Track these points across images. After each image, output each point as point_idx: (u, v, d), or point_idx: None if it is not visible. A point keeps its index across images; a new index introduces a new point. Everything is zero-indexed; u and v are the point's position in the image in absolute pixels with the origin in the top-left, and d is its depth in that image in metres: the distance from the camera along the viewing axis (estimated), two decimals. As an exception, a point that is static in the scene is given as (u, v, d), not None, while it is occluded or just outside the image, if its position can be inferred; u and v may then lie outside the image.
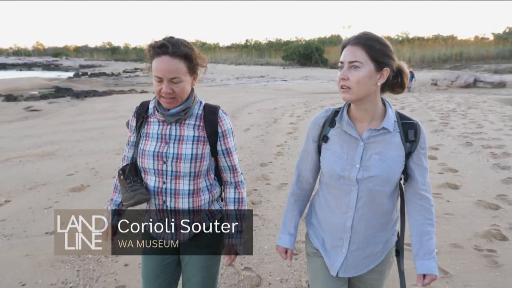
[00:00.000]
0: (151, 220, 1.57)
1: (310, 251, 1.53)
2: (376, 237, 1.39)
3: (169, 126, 1.50)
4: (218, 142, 1.53)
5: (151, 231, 1.56)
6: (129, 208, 1.50)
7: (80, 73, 35.20)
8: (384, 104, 1.36)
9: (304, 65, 43.52)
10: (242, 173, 1.65)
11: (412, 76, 19.44)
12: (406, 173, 1.37)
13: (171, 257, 1.62)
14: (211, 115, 1.52)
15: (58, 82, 28.21)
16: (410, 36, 62.41)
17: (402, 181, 1.42)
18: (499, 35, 50.46)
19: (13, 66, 47.76)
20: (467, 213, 3.70)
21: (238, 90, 19.83)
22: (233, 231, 1.55)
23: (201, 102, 1.56)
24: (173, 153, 1.47)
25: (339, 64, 1.29)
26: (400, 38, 64.32)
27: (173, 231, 1.54)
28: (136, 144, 1.56)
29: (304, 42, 52.86)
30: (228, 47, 73.73)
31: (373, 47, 1.23)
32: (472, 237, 3.22)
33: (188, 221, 1.53)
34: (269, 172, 5.19)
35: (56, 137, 8.67)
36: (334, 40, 61.69)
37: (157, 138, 1.51)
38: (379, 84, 1.26)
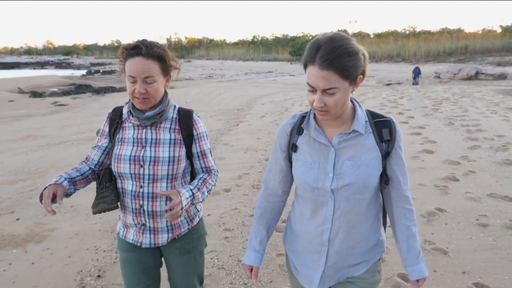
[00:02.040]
0: (125, 225, 1.61)
1: (289, 268, 1.49)
2: (356, 248, 1.32)
3: (144, 130, 1.53)
4: (194, 145, 1.58)
5: (126, 237, 1.61)
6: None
7: (93, 70, 36.01)
8: (353, 103, 1.28)
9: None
10: (217, 173, 1.69)
11: (419, 72, 19.92)
12: (386, 176, 1.29)
13: (151, 260, 1.66)
14: (186, 118, 1.56)
15: (74, 79, 29.42)
16: (417, 30, 62.99)
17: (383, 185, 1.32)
18: (507, 27, 50.83)
19: (26, 65, 48.79)
20: (435, 166, 5.05)
21: (249, 85, 21.00)
22: (189, 187, 1.52)
23: (175, 106, 1.60)
24: (150, 156, 1.49)
25: (309, 88, 1.16)
26: (407, 32, 65.01)
27: (150, 235, 1.57)
28: (109, 151, 1.59)
29: (310, 38, 53.90)
30: (236, 44, 75.03)
31: (347, 66, 1.09)
32: (434, 180, 4.57)
33: (166, 224, 1.57)
34: None
35: (93, 126, 9.80)
36: (341, 35, 62.41)
37: (133, 142, 1.52)
38: (354, 92, 1.19)
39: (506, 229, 3.32)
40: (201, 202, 1.58)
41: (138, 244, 1.58)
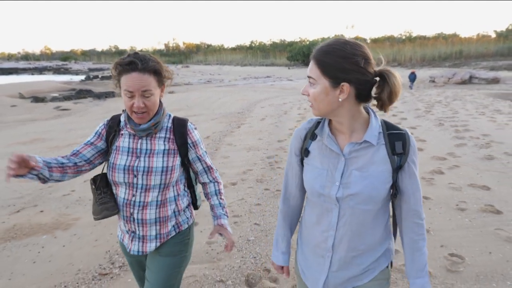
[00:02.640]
0: (121, 230, 1.69)
1: (297, 273, 1.52)
2: (360, 258, 1.32)
3: (140, 140, 1.56)
4: (190, 151, 1.62)
5: (124, 240, 1.69)
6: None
7: (91, 76, 36.12)
8: (368, 113, 1.27)
9: (308, 65, 45.31)
10: (217, 170, 1.76)
11: (415, 77, 20.40)
12: (396, 189, 1.28)
13: (144, 258, 1.76)
14: (180, 127, 1.59)
15: (73, 85, 29.60)
16: (414, 35, 63.91)
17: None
18: (501, 32, 51.75)
19: (24, 71, 48.98)
20: (423, 162, 5.52)
21: (247, 90, 21.50)
22: (221, 213, 1.70)
23: (170, 115, 1.63)
24: (144, 167, 1.52)
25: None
26: (403, 37, 65.95)
27: (139, 243, 1.61)
28: (102, 153, 1.62)
29: (308, 43, 54.64)
30: (233, 49, 75.78)
31: (324, 62, 1.15)
32: (422, 173, 5.03)
33: (155, 233, 1.60)
34: (285, 145, 7.05)
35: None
36: (338, 40, 63.23)
37: (128, 152, 1.56)
38: (340, 99, 1.17)
39: (481, 212, 3.80)
40: None
41: (128, 251, 1.64)
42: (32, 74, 44.10)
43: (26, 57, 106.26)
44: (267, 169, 5.58)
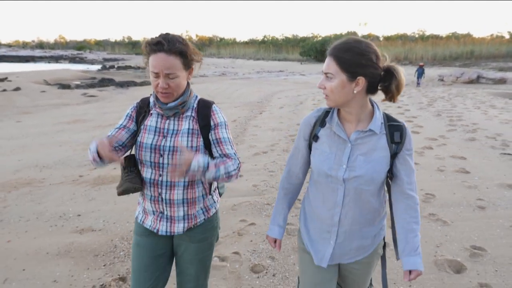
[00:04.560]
0: (144, 210, 1.69)
1: (301, 246, 1.65)
2: (362, 231, 1.50)
3: (167, 120, 1.61)
4: (211, 132, 1.61)
5: (144, 222, 1.69)
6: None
7: (108, 66, 37.05)
8: (372, 106, 1.44)
9: (320, 61, 46.36)
10: (238, 161, 1.60)
11: (422, 71, 20.60)
12: (392, 173, 1.46)
13: (164, 248, 1.72)
14: (204, 108, 1.63)
15: (91, 74, 30.55)
16: (427, 34, 64.49)
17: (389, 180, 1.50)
18: (516, 33, 52.14)
19: (41, 59, 50.27)
20: (417, 142, 6.92)
21: (262, 83, 22.74)
22: (206, 158, 1.47)
23: (196, 97, 1.68)
24: (170, 146, 1.56)
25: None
26: (416, 36, 66.61)
27: (167, 223, 1.65)
28: (135, 135, 1.64)
29: (320, 38, 55.68)
30: (246, 43, 77.10)
31: (343, 58, 1.30)
32: (415, 149, 6.37)
33: (183, 214, 1.63)
34: None
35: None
36: (350, 37, 64.02)
37: (155, 131, 1.60)
38: (355, 91, 1.33)
39: (455, 172, 5.22)
40: (214, 180, 1.50)
41: (155, 231, 1.65)
42: (49, 62, 45.19)
43: (41, 45, 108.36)
44: (290, 144, 6.99)
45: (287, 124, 8.86)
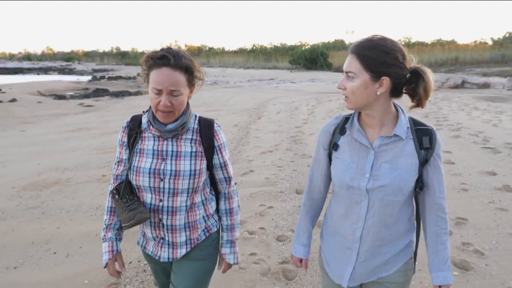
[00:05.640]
0: (145, 236, 1.65)
1: (322, 265, 1.59)
2: (386, 247, 1.40)
3: (165, 142, 1.52)
4: (215, 156, 1.59)
5: (146, 248, 1.66)
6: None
7: (98, 76, 36.88)
8: (396, 109, 1.36)
9: (309, 68, 47.45)
10: (235, 184, 1.74)
11: None
12: (422, 182, 1.34)
13: (170, 265, 1.73)
14: (207, 129, 1.57)
15: (83, 84, 30.64)
16: (413, 41, 66.35)
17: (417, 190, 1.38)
18: (498, 40, 54.20)
19: (29, 70, 49.73)
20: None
21: (254, 91, 23.41)
22: (224, 240, 1.70)
23: (195, 116, 1.60)
24: (171, 170, 1.49)
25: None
26: (403, 43, 68.26)
27: (169, 250, 1.60)
28: (129, 161, 1.55)
29: (309, 47, 56.90)
30: (235, 52, 78.14)
31: (368, 56, 1.23)
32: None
33: (185, 239, 1.58)
34: (303, 129, 9.18)
35: None
36: (338, 45, 65.74)
37: (153, 154, 1.51)
38: (379, 93, 1.25)
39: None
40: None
41: (156, 258, 1.62)
42: (38, 74, 44.83)
43: (29, 57, 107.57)
44: (292, 143, 7.67)
45: (286, 127, 9.55)
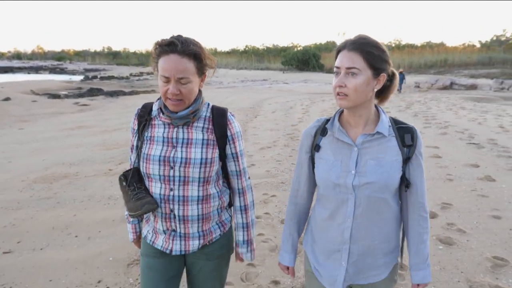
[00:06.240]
0: (154, 230, 1.58)
1: (308, 270, 1.56)
2: (377, 248, 1.39)
3: (176, 129, 1.49)
4: (228, 146, 1.54)
5: (155, 243, 1.58)
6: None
7: (90, 76, 36.88)
8: (377, 109, 1.39)
9: (302, 70, 48.03)
10: (249, 177, 1.67)
11: (403, 77, 21.82)
12: (407, 180, 1.36)
13: (177, 269, 1.64)
14: (220, 117, 1.52)
15: (75, 84, 30.48)
16: (403, 43, 67.42)
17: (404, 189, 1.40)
18: (486, 43, 55.43)
19: (20, 70, 49.47)
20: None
21: (248, 91, 23.73)
22: (239, 240, 1.67)
23: (208, 104, 1.56)
24: (181, 158, 1.46)
25: (335, 70, 1.29)
26: (393, 45, 69.48)
27: (181, 242, 1.54)
28: (139, 149, 1.53)
29: (301, 48, 57.48)
30: (228, 53, 78.42)
31: (372, 53, 1.24)
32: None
33: (197, 230, 1.53)
34: (299, 127, 9.61)
35: (129, 119, 10.91)
36: (330, 47, 66.45)
37: (163, 141, 1.48)
38: (375, 90, 1.29)
39: (429, 158, 6.41)
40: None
41: (168, 252, 1.55)
42: (29, 73, 44.58)
43: (19, 56, 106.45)
44: (289, 140, 8.07)
45: (283, 125, 9.95)
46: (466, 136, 8.04)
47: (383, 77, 1.28)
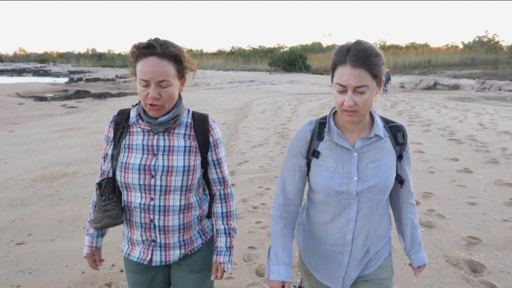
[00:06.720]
0: (131, 241, 1.52)
1: (306, 270, 1.56)
2: (372, 246, 1.43)
3: (156, 136, 1.44)
4: (209, 152, 1.51)
5: (130, 255, 1.53)
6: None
7: (75, 78, 36.44)
8: (369, 111, 1.38)
9: (288, 71, 48.50)
10: (231, 185, 1.63)
11: (389, 78, 22.35)
12: (400, 177, 1.41)
13: (161, 283, 1.60)
14: (201, 123, 1.49)
15: (61, 86, 30.29)
16: (388, 44, 68.63)
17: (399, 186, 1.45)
18: (469, 43, 56.93)
19: (2, 72, 48.66)
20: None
21: (236, 92, 23.95)
22: (221, 247, 1.56)
23: (188, 110, 1.53)
24: (163, 166, 1.41)
25: (339, 88, 1.23)
26: (378, 46, 70.53)
27: (161, 252, 1.50)
28: (115, 158, 1.47)
29: (287, 49, 58.03)
30: (214, 54, 78.59)
31: (376, 65, 1.20)
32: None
33: (178, 239, 1.49)
34: (288, 126, 9.95)
35: None
36: (316, 48, 67.27)
37: (143, 149, 1.43)
38: (377, 95, 1.30)
39: (414, 153, 6.86)
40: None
41: (146, 263, 1.50)
42: (11, 75, 43.86)
43: (0, 58, 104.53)
44: (280, 138, 8.43)
45: (273, 124, 10.31)
46: (448, 133, 8.53)
47: (383, 81, 1.29)
